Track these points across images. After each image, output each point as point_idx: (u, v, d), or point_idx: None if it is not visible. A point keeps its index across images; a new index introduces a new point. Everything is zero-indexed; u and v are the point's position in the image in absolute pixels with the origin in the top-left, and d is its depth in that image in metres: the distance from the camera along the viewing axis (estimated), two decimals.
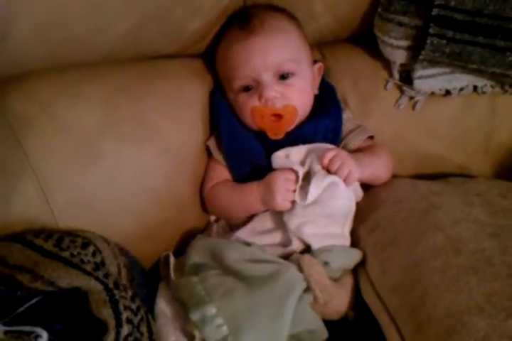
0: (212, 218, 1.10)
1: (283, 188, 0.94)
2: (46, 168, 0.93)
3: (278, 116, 1.02)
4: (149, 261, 1.04)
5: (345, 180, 0.93)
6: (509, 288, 0.75)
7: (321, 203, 0.92)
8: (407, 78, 1.11)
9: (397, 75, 1.12)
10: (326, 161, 0.93)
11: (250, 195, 0.99)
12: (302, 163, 0.97)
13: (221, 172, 1.07)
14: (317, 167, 0.94)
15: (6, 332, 0.70)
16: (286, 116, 1.02)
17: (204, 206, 1.09)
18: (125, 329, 0.76)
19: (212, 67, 1.12)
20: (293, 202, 0.94)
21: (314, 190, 0.90)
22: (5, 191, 0.91)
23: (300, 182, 0.94)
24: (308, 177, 0.94)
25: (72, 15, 0.85)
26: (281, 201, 0.94)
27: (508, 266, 0.79)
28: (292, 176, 0.94)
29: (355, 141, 1.07)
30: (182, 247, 1.03)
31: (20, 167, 0.93)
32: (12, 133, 0.93)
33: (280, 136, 1.03)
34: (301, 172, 0.94)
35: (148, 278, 0.99)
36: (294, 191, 0.93)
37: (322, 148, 0.97)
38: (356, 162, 0.95)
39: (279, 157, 0.98)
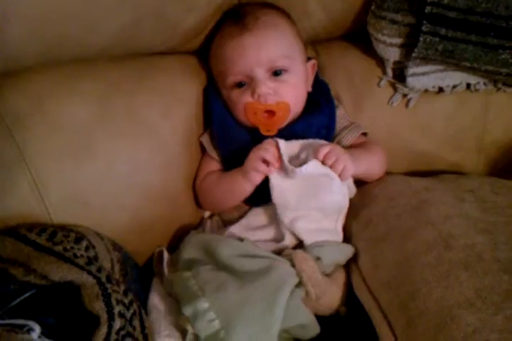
0: (206, 214, 1.11)
1: (257, 147, 0.96)
2: (40, 163, 0.94)
3: (271, 113, 1.02)
4: (143, 257, 1.04)
5: (340, 175, 0.94)
6: (499, 283, 0.76)
7: (315, 197, 0.93)
8: (400, 75, 1.12)
9: (390, 73, 1.12)
10: (320, 156, 0.93)
11: (234, 175, 1.00)
12: (296, 157, 0.97)
13: (214, 167, 1.08)
14: None
15: None
16: (279, 113, 1.02)
17: (198, 202, 1.10)
18: (117, 323, 0.76)
19: (206, 64, 1.13)
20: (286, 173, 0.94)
21: (311, 166, 0.91)
22: None
23: (285, 150, 0.94)
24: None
25: (67, 12, 0.85)
26: (255, 158, 0.95)
27: (498, 262, 0.79)
28: (271, 141, 0.96)
29: (349, 137, 1.07)
30: (176, 243, 1.04)
31: (14, 162, 0.93)
32: (6, 128, 0.93)
33: (273, 132, 1.03)
34: (282, 143, 0.95)
35: (141, 274, 0.99)
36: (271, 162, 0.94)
37: (316, 144, 0.97)
38: (351, 157, 0.95)
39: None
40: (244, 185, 0.99)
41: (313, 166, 0.91)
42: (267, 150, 0.94)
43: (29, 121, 0.95)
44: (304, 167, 0.91)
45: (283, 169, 0.94)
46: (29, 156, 0.93)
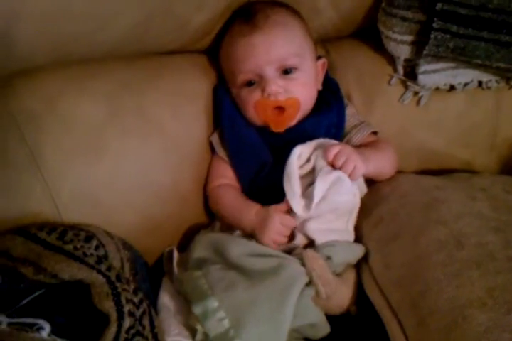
0: None
1: (276, 232, 0.93)
2: (50, 162, 0.94)
3: (281, 109, 1.02)
4: (153, 256, 1.05)
5: (350, 176, 0.93)
6: (511, 282, 0.75)
7: (327, 199, 0.92)
8: (411, 73, 1.11)
9: (401, 70, 1.11)
10: (330, 156, 0.92)
11: (246, 216, 0.98)
12: (307, 161, 0.96)
13: (224, 170, 1.07)
14: (322, 163, 0.93)
15: (9, 324, 0.71)
16: (289, 110, 1.02)
17: (207, 202, 1.09)
18: (127, 322, 0.77)
19: (216, 63, 1.13)
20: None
21: (319, 191, 0.90)
22: (9, 185, 0.92)
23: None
24: (312, 174, 0.94)
25: (77, 11, 0.85)
26: (269, 241, 0.94)
27: (510, 261, 0.79)
28: (291, 223, 0.94)
29: (358, 136, 1.06)
30: (186, 242, 1.04)
31: (25, 161, 0.93)
32: (17, 127, 0.94)
33: (282, 128, 1.03)
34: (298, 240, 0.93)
35: (151, 273, 0.99)
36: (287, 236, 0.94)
37: (326, 144, 0.97)
38: (361, 157, 0.94)
39: (294, 160, 0.95)
40: (250, 231, 0.98)
41: (320, 190, 0.90)
42: (286, 227, 0.94)
43: (40, 121, 0.96)
44: (314, 201, 0.89)
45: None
46: (39, 155, 0.94)
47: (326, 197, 0.92)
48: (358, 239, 0.96)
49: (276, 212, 0.94)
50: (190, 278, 0.89)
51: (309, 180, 0.93)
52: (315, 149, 0.96)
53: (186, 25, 1.02)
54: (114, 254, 0.87)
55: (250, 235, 0.97)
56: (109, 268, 0.82)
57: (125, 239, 0.96)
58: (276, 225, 0.94)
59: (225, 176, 1.07)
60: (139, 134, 1.02)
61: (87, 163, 0.97)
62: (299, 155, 0.94)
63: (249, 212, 0.99)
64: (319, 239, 0.92)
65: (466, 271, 0.78)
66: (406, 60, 1.10)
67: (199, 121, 1.09)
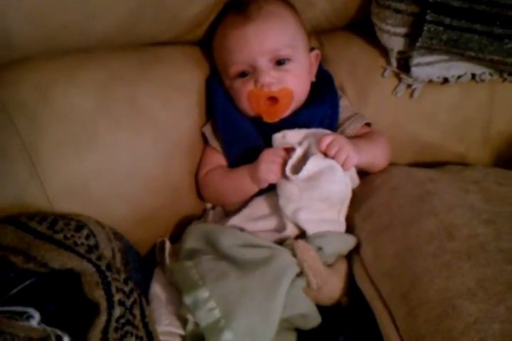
0: (209, 205, 1.10)
1: (269, 159, 0.94)
2: (41, 152, 0.94)
3: (274, 100, 1.02)
4: (145, 247, 1.04)
5: (342, 165, 0.93)
6: (502, 273, 0.75)
7: (318, 187, 0.92)
8: (404, 66, 1.11)
9: (394, 63, 1.11)
10: (323, 146, 0.93)
11: (241, 174, 1.00)
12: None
13: (217, 159, 1.07)
14: (315, 151, 0.94)
15: None
16: (282, 100, 1.02)
17: (200, 193, 1.09)
18: (117, 311, 0.77)
19: (208, 54, 1.13)
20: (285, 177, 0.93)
21: (311, 165, 0.90)
22: (1, 175, 0.92)
23: (295, 159, 0.93)
24: (304, 159, 0.94)
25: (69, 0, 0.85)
26: (266, 170, 0.94)
27: (501, 252, 0.79)
28: (282, 152, 0.95)
29: (352, 127, 1.06)
30: (178, 233, 1.04)
31: (16, 151, 0.93)
32: (8, 117, 0.94)
33: (275, 119, 1.03)
34: (300, 149, 0.93)
35: (143, 263, 0.99)
36: (282, 166, 0.93)
37: (320, 133, 0.97)
38: (354, 147, 0.94)
39: (278, 138, 0.98)
40: (252, 187, 0.99)
41: (312, 164, 0.90)
42: (278, 155, 0.94)
43: (31, 111, 0.95)
44: (304, 169, 0.90)
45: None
46: (30, 145, 0.93)
47: (318, 185, 0.92)
48: (350, 230, 0.97)
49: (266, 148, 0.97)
50: (181, 268, 0.89)
51: (300, 164, 0.93)
52: (307, 137, 0.96)
53: (178, 16, 1.01)
54: (105, 244, 0.87)
55: (241, 228, 0.97)
56: (99, 258, 0.81)
57: (117, 229, 0.96)
58: (270, 155, 0.95)
59: (218, 164, 1.07)
60: (130, 125, 1.01)
61: (77, 153, 0.96)
62: (283, 136, 0.96)
63: (243, 169, 1.00)
64: (310, 230, 0.93)
65: (457, 262, 0.78)
66: (399, 52, 1.10)
67: (191, 112, 1.08)
